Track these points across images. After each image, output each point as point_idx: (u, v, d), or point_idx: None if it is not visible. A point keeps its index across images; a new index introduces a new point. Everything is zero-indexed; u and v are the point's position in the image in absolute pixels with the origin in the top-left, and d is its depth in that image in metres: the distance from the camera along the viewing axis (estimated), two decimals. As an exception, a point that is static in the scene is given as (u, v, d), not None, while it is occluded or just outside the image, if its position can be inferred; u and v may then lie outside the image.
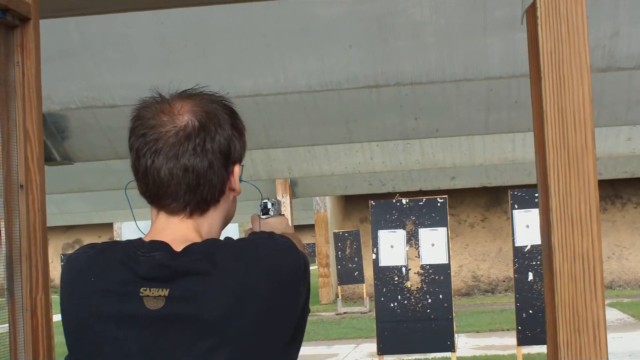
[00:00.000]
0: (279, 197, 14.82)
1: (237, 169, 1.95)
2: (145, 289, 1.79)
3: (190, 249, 1.83)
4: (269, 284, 1.80)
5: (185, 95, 1.94)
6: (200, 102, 1.92)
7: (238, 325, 1.76)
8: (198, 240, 1.88)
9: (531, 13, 1.93)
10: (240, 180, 1.98)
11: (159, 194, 1.90)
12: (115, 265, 1.83)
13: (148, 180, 1.89)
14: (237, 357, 1.76)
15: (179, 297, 1.78)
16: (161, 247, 1.84)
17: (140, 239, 1.90)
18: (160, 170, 1.87)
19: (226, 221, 2.00)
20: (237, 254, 1.83)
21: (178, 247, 1.84)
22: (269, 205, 2.31)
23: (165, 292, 1.78)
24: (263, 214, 2.29)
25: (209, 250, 1.82)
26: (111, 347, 1.79)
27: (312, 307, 24.37)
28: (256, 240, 1.88)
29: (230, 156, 1.92)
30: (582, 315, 1.87)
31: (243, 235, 2.13)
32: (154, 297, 1.79)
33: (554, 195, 1.86)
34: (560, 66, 1.85)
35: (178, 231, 1.89)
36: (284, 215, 2.46)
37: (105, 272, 1.83)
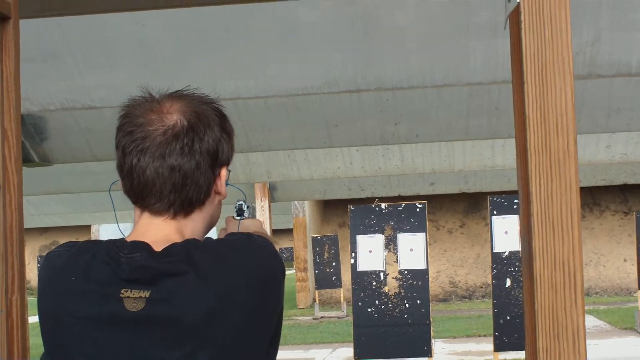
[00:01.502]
0: (258, 201, 14.81)
1: (224, 171, 1.95)
2: (126, 290, 1.78)
3: (170, 249, 1.82)
4: (249, 286, 1.79)
5: (176, 96, 1.93)
6: (191, 103, 1.92)
7: (219, 328, 1.75)
8: (179, 241, 1.86)
9: (514, 17, 1.92)
10: (227, 184, 1.98)
11: (143, 193, 1.88)
12: (98, 265, 1.81)
13: (133, 178, 1.88)
14: (217, 359, 1.74)
15: (160, 299, 1.77)
16: (142, 247, 1.83)
17: (122, 239, 1.88)
18: (146, 169, 1.86)
19: (210, 225, 1.99)
20: (218, 256, 1.82)
21: (159, 248, 1.83)
22: (244, 207, 2.30)
23: (146, 293, 1.77)
24: (237, 215, 2.28)
25: (188, 251, 1.81)
26: (89, 348, 1.77)
27: (289, 312, 24.37)
28: (236, 241, 1.88)
29: (218, 158, 1.92)
30: (562, 321, 1.86)
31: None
32: (134, 298, 1.77)
33: (535, 200, 1.85)
34: (544, 70, 1.85)
35: (160, 232, 1.89)
36: (256, 218, 2.46)
37: (87, 272, 1.81)
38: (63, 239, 37.12)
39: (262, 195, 14.93)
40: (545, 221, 1.85)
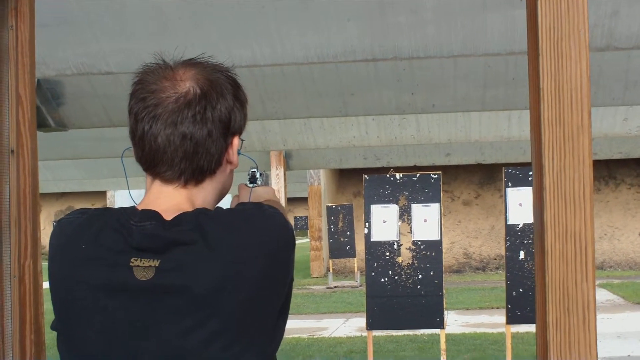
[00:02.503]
0: (273, 169, 14.80)
1: (236, 140, 1.93)
2: (135, 259, 1.77)
3: (181, 218, 1.81)
4: (260, 256, 1.79)
5: (189, 63, 1.92)
6: (204, 71, 1.91)
7: (229, 298, 1.75)
8: (190, 210, 1.85)
9: (531, -11, 1.90)
10: (239, 154, 1.97)
11: (154, 160, 1.87)
12: (108, 232, 1.81)
13: (144, 145, 1.87)
14: (227, 328, 1.75)
15: (169, 268, 1.76)
16: (153, 216, 1.82)
17: (133, 207, 1.88)
18: (158, 137, 1.85)
19: (221, 195, 1.98)
20: (228, 225, 1.81)
21: (169, 217, 1.82)
22: (257, 174, 2.30)
23: (156, 262, 1.76)
24: (250, 183, 2.28)
25: (199, 220, 1.80)
26: (99, 316, 1.77)
27: (302, 280, 24.44)
28: (246, 211, 1.87)
29: (230, 126, 1.91)
30: (572, 295, 1.86)
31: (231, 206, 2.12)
32: (143, 267, 1.77)
33: (548, 173, 1.84)
34: (559, 43, 1.83)
35: (171, 200, 1.88)
36: (270, 186, 2.45)
37: (98, 240, 1.81)
38: (79, 205, 37.28)
39: (277, 163, 14.90)
40: (557, 194, 1.84)
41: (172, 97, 1.86)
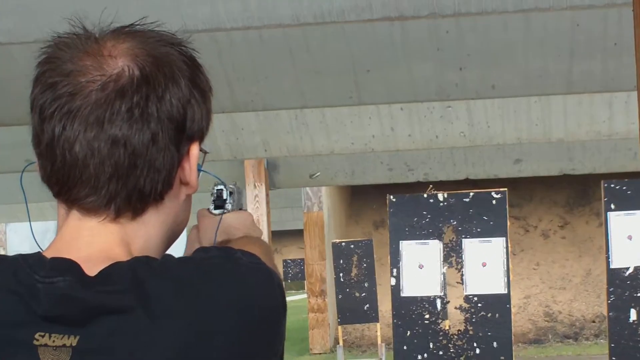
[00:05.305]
0: (249, 187, 14.80)
1: (195, 150, 1.94)
2: (42, 334, 1.75)
3: (110, 272, 1.79)
4: (229, 331, 1.79)
5: (124, 32, 1.92)
6: (146, 43, 1.90)
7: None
8: (125, 258, 1.83)
9: None
10: (199, 170, 1.97)
11: (70, 180, 1.86)
12: (2, 295, 1.79)
13: (55, 157, 1.85)
14: None
15: (93, 349, 1.75)
16: (68, 268, 1.79)
17: (38, 254, 1.85)
18: (75, 143, 1.84)
19: (173, 233, 1.99)
20: (182, 284, 1.80)
21: (93, 269, 1.80)
22: (225, 194, 2.30)
23: (73, 340, 1.75)
24: (216, 207, 2.28)
25: (137, 275, 1.78)
26: None
27: (299, 359, 24.40)
28: (210, 262, 1.86)
29: (186, 128, 1.91)
30: None
31: (187, 249, 2.11)
32: (54, 347, 1.75)
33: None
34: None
35: (96, 242, 1.87)
36: (246, 210, 2.47)
37: None
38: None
39: (255, 178, 14.87)
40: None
41: (96, 81, 1.84)
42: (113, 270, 1.79)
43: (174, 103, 1.88)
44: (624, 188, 10.12)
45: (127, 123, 1.84)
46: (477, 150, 14.25)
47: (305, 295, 28.03)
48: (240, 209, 2.43)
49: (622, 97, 10.50)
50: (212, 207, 2.30)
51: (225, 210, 2.31)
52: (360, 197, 27.93)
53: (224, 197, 2.31)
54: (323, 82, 7.13)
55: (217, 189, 2.30)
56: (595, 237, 26.01)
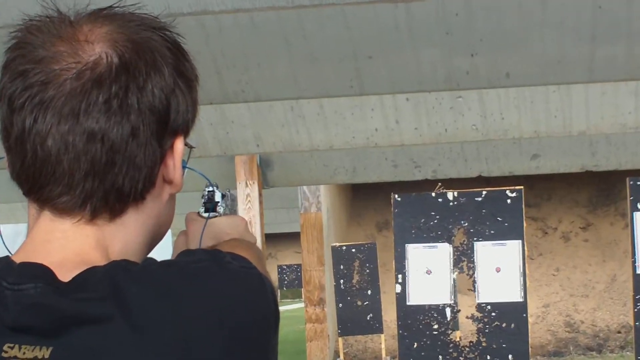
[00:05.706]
0: (241, 187, 14.84)
1: (179, 144, 1.95)
2: (11, 345, 1.76)
3: (86, 278, 1.79)
4: (217, 341, 1.78)
5: (102, 15, 1.93)
6: (126, 27, 1.91)
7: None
8: (102, 262, 1.83)
9: None
10: (184, 167, 1.99)
11: (41, 177, 1.86)
12: None
13: (25, 152, 1.86)
14: None
15: None
16: (39, 274, 1.79)
17: (6, 259, 1.87)
18: (47, 137, 1.84)
19: (155, 235, 2.01)
20: (164, 291, 1.80)
21: (67, 275, 1.80)
22: (217, 196, 2.27)
23: (46, 352, 1.74)
24: (206, 211, 2.25)
25: (116, 281, 1.78)
26: None
27: (296, 373, 24.51)
28: (195, 266, 1.85)
29: (170, 121, 1.92)
30: None
31: (172, 253, 2.10)
32: None
33: None
34: None
35: (70, 246, 1.87)
36: (239, 215, 2.44)
37: None
38: None
39: (247, 176, 14.90)
40: None
41: (71, 70, 1.84)
42: (89, 276, 1.80)
43: (156, 93, 1.89)
44: (652, 185, 10.17)
45: (104, 115, 1.84)
46: (491, 144, 14.28)
47: (302, 304, 28.08)
48: (233, 213, 2.41)
49: (650, 86, 10.56)
50: (202, 209, 2.28)
51: (217, 214, 2.29)
52: (362, 197, 28.12)
53: (216, 199, 2.29)
54: (321, 70, 7.15)
55: (208, 191, 2.30)
56: (621, 239, 26.14)
